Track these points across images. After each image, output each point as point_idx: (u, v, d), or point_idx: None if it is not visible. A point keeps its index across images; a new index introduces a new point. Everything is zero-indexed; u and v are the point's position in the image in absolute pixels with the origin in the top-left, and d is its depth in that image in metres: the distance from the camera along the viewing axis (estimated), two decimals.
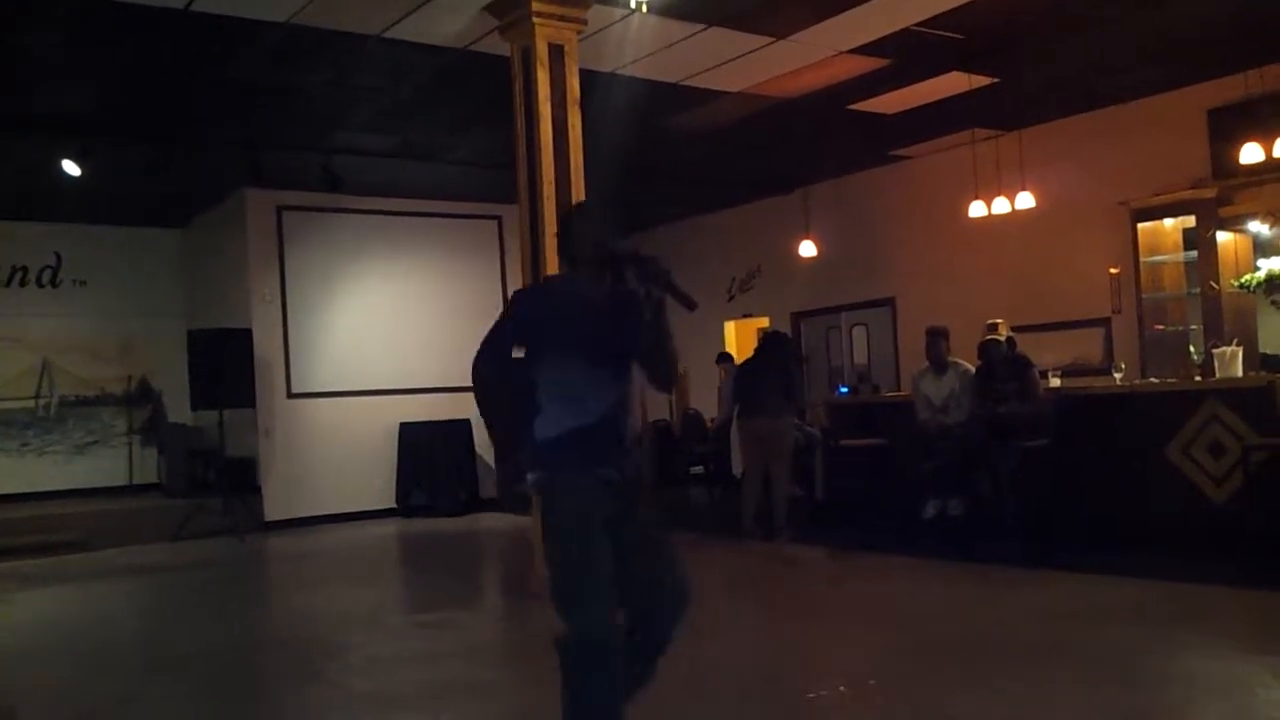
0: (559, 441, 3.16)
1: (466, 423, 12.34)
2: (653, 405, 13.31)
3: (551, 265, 6.65)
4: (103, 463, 13.22)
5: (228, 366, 10.92)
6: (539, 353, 3.22)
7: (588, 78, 7.19)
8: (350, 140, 10.02)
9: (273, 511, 11.36)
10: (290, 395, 11.67)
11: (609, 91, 8.37)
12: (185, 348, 11.30)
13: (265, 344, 11.54)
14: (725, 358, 12.36)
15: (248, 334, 11.38)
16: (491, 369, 3.25)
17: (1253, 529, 6.73)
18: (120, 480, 13.22)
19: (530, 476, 3.21)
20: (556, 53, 6.74)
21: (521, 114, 6.83)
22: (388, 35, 7.36)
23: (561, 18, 6.71)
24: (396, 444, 12.13)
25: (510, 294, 3.26)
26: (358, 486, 11.84)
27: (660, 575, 3.23)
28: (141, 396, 13.47)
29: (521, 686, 5.12)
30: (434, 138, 10.13)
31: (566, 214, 3.60)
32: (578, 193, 6.78)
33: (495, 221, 12.90)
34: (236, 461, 11.64)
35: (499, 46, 7.13)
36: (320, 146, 10.11)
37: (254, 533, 10.82)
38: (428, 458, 12.02)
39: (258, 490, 11.47)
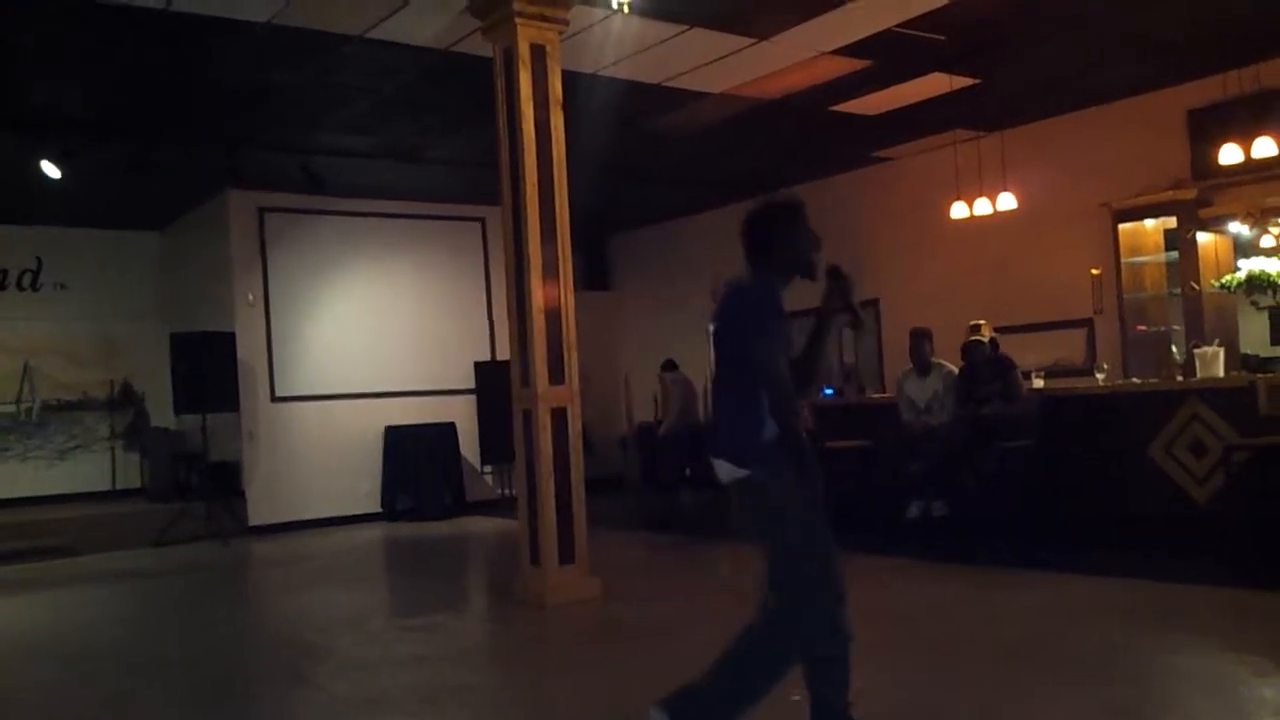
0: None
1: (452, 425, 12.34)
2: (638, 408, 13.33)
3: (535, 265, 6.65)
4: (85, 467, 13.13)
5: (211, 370, 10.86)
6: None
7: (570, 78, 7.19)
8: (333, 141, 9.99)
9: (257, 516, 11.31)
10: (274, 399, 11.62)
11: (591, 92, 8.38)
12: (168, 351, 11.24)
13: (249, 347, 11.49)
14: (670, 365, 12.43)
15: (231, 337, 11.32)
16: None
17: (1234, 528, 6.77)
18: (103, 485, 13.14)
19: (747, 470, 3.36)
20: (539, 53, 6.73)
21: (504, 115, 6.81)
22: (370, 36, 7.34)
23: (543, 18, 6.69)
24: (381, 447, 12.08)
25: (735, 286, 3.31)
26: (343, 490, 11.80)
27: None
28: (124, 400, 13.39)
29: (508, 690, 5.12)
30: (417, 139, 10.11)
31: (772, 210, 3.54)
32: (560, 194, 6.78)
33: (479, 223, 12.88)
34: (220, 466, 11.59)
35: (481, 47, 7.11)
36: (303, 147, 10.08)
37: (238, 537, 10.77)
38: (413, 461, 11.99)
39: (241, 494, 11.42)
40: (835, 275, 3.46)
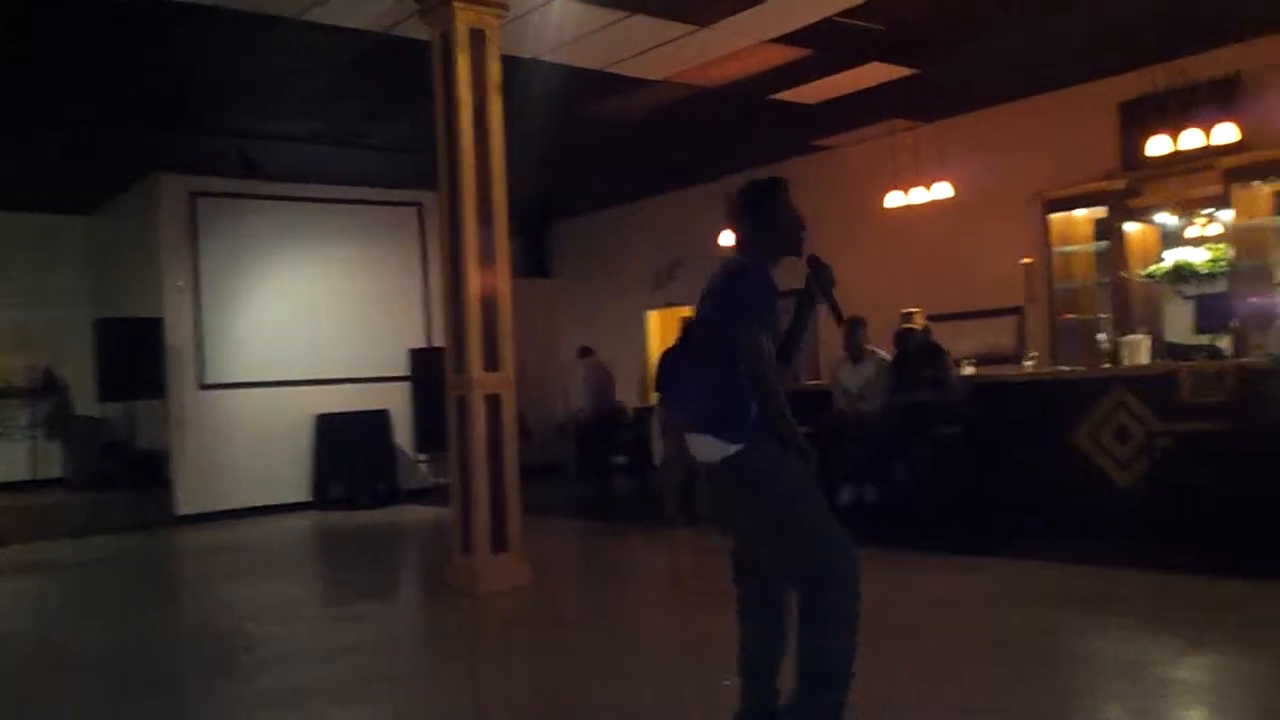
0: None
1: (385, 413, 12.21)
2: (575, 395, 13.29)
3: (471, 251, 6.58)
4: (6, 457, 12.75)
5: (137, 357, 10.62)
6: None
7: (510, 64, 7.12)
8: (268, 125, 9.81)
9: (185, 505, 11.08)
10: (203, 386, 11.39)
11: (531, 78, 8.30)
12: (93, 337, 10.95)
13: (177, 333, 11.24)
14: (585, 351, 12.47)
15: (158, 323, 11.07)
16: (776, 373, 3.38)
17: (1156, 513, 6.92)
18: (24, 475, 12.78)
19: (736, 446, 3.35)
20: (478, 38, 6.65)
21: (441, 100, 6.73)
22: (306, 18, 7.20)
23: (482, 2, 6.62)
24: (313, 435, 11.92)
25: (734, 265, 3.52)
26: (273, 479, 11.59)
27: None
28: (47, 388, 13.02)
29: (435, 678, 5.08)
30: (354, 122, 9.96)
31: (762, 189, 3.57)
32: (498, 179, 6.71)
33: (415, 208, 12.72)
34: (147, 454, 11.34)
35: (421, 30, 7.01)
36: (237, 131, 9.89)
37: (165, 527, 10.56)
38: (345, 449, 11.83)
39: (169, 484, 11.19)
40: (815, 265, 3.48)
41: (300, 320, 11.97)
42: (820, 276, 3.51)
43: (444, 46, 6.69)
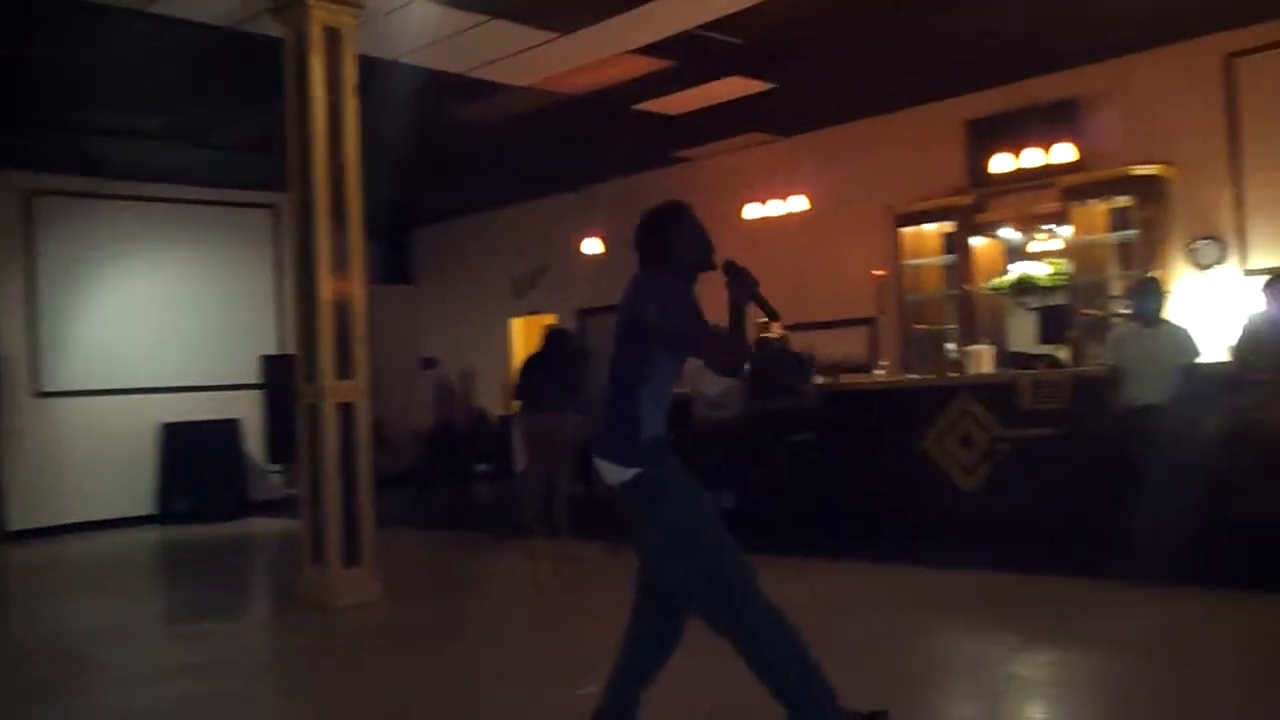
0: (664, 439, 3.42)
1: (235, 422, 11.81)
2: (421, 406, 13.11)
3: (324, 255, 6.42)
4: None
5: None
6: (655, 353, 3.41)
7: (368, 65, 6.97)
8: (113, 120, 9.37)
9: (18, 520, 10.48)
10: (39, 394, 10.80)
11: (391, 80, 8.15)
12: None
13: (10, 339, 10.64)
14: (428, 363, 12.45)
15: None
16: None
17: (998, 515, 7.21)
18: None
19: (632, 470, 3.34)
20: (333, 37, 6.50)
21: (295, 99, 6.55)
22: (153, 10, 6.90)
23: (338, 1, 6.47)
24: (158, 446, 11.43)
25: (646, 276, 3.52)
26: (115, 492, 11.06)
27: None
28: None
29: (284, 696, 4.93)
30: (205, 120, 9.59)
31: (663, 213, 3.62)
32: (352, 182, 6.57)
33: (269, 210, 12.35)
34: None
35: (275, 27, 6.80)
36: (79, 126, 9.41)
37: None
38: (192, 460, 11.37)
39: (0, 497, 10.55)
40: (732, 270, 3.48)
41: (146, 325, 11.48)
42: (739, 280, 3.49)
43: (298, 45, 6.51)
